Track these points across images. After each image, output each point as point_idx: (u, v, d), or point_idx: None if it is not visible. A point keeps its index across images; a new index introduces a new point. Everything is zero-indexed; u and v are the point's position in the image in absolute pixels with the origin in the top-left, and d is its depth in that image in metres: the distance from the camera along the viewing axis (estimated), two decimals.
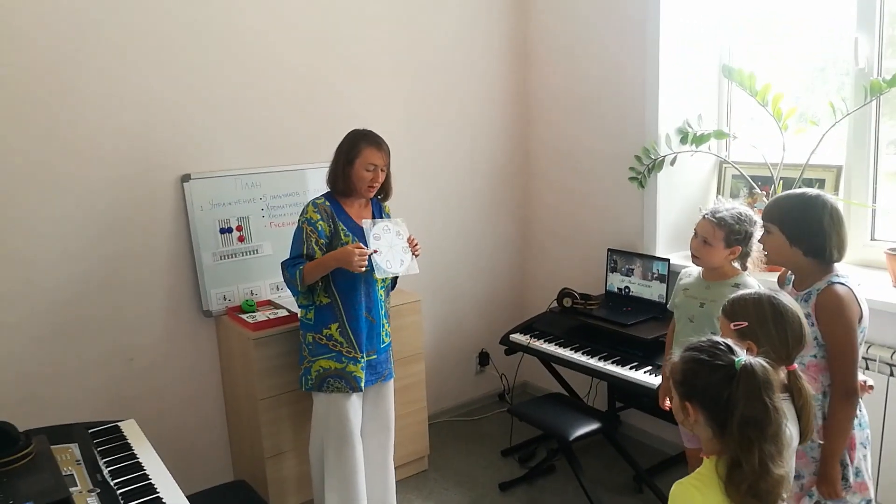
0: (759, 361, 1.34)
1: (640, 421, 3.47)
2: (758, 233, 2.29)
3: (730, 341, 1.39)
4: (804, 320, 1.67)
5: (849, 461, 1.93)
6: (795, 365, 1.64)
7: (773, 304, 1.65)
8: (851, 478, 1.95)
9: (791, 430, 1.54)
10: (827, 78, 2.98)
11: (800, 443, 1.62)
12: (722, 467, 1.32)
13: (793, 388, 1.62)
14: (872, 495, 1.97)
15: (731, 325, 1.68)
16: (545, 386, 3.74)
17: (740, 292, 1.74)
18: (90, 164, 2.64)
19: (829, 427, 1.91)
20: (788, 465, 1.34)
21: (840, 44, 2.88)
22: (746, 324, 1.65)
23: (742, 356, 1.34)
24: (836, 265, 1.97)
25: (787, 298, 1.69)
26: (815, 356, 1.93)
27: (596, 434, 2.85)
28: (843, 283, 1.91)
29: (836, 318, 1.87)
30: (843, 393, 1.88)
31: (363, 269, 2.39)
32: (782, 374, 1.63)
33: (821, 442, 1.89)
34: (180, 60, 2.77)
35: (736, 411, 1.29)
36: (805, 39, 3.06)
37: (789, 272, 2.10)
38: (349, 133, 2.54)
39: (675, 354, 1.44)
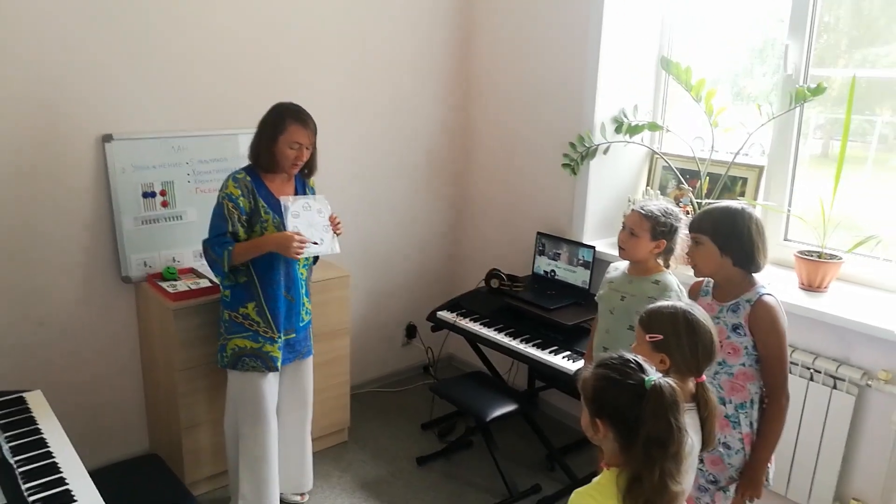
0: (667, 382, 1.37)
1: (558, 400, 3.58)
2: (682, 229, 2.36)
3: (640, 359, 1.43)
4: (716, 335, 1.74)
5: (770, 463, 2.05)
6: (704, 377, 1.71)
7: (688, 319, 1.70)
8: (771, 477, 2.08)
9: (693, 439, 1.61)
10: (765, 58, 3.06)
11: (702, 450, 1.70)
12: (622, 480, 1.37)
13: (699, 400, 1.69)
14: None
15: (647, 336, 1.72)
16: (470, 360, 3.81)
17: (658, 304, 1.78)
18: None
19: (764, 433, 2.01)
20: (686, 480, 1.40)
21: (778, 29, 2.95)
22: (661, 337, 1.70)
23: (652, 376, 1.38)
24: (756, 275, 2.05)
25: (700, 313, 1.75)
26: (743, 364, 2.01)
27: (513, 415, 2.93)
28: (770, 294, 2.00)
29: (772, 329, 1.96)
30: (785, 399, 1.99)
31: (300, 257, 2.36)
32: (691, 384, 1.70)
33: (718, 448, 2.00)
34: (105, 16, 2.62)
35: (642, 429, 1.33)
36: (745, 26, 3.12)
37: (704, 282, 2.17)
38: (274, 106, 2.45)
39: (587, 368, 1.47)
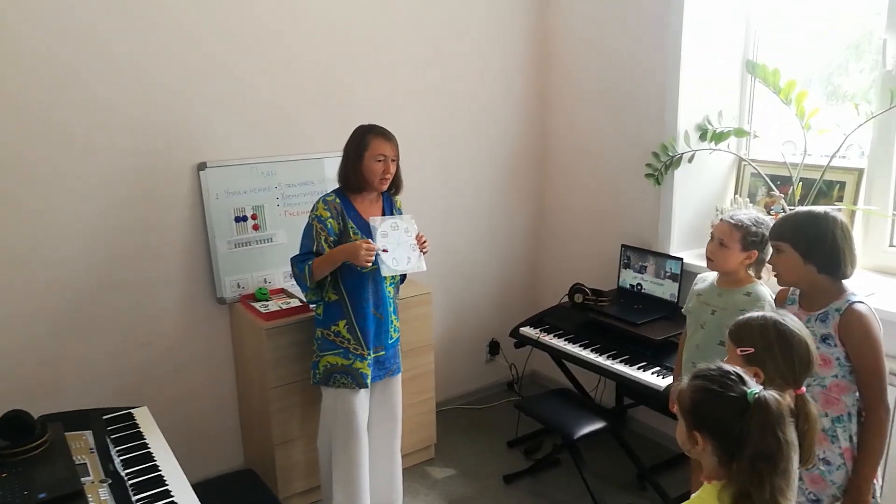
0: (772, 394, 1.32)
1: (648, 417, 3.48)
2: None
3: (740, 370, 1.38)
4: (811, 344, 1.65)
5: (876, 479, 1.94)
6: (804, 388, 1.63)
7: (779, 330, 1.63)
8: (878, 494, 1.96)
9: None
10: (861, 54, 2.90)
11: (800, 466, 1.61)
12: (726, 496, 1.31)
13: (799, 413, 1.60)
14: None
15: (738, 350, 1.66)
16: (554, 376, 3.76)
17: (747, 315, 1.71)
18: (106, 153, 2.66)
19: (865, 448, 1.90)
20: (794, 496, 1.34)
21: (875, 22, 2.80)
22: (752, 350, 1.63)
23: (755, 388, 1.33)
24: (846, 282, 1.95)
25: (793, 321, 1.67)
26: (836, 376, 1.91)
27: (602, 433, 2.87)
28: (862, 302, 1.90)
29: (864, 338, 1.86)
30: (884, 412, 1.88)
31: (369, 264, 2.40)
32: (789, 397, 1.62)
33: (818, 465, 1.90)
34: (196, 49, 2.78)
35: (748, 445, 1.28)
36: (838, 21, 2.98)
37: (790, 291, 2.08)
38: (355, 129, 2.54)
39: (683, 380, 1.43)
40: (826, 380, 1.92)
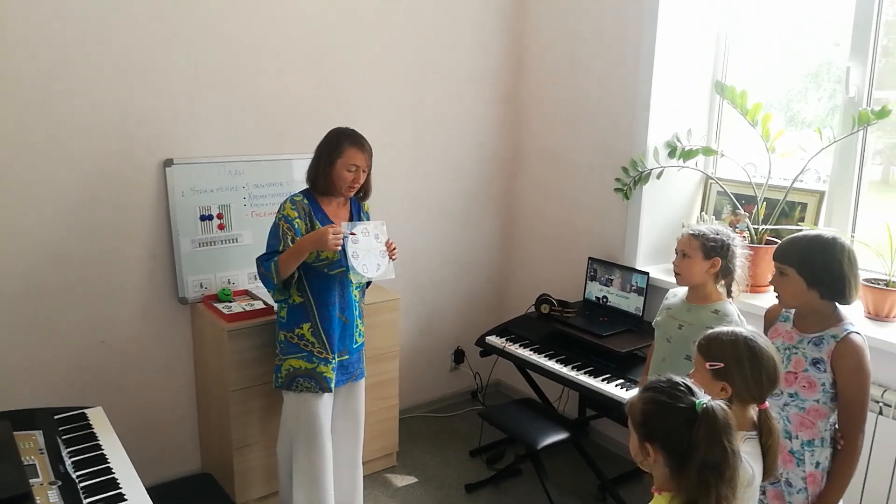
0: (718, 404, 1.34)
1: (610, 429, 3.50)
2: (738, 249, 2.30)
3: (689, 381, 1.40)
4: (779, 360, 1.67)
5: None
6: (767, 404, 1.65)
7: (750, 346, 1.64)
8: None
9: (754, 468, 1.56)
10: (820, 83, 3.00)
11: (763, 479, 1.63)
12: None
13: (762, 427, 1.63)
14: None
15: (707, 364, 1.67)
16: (518, 386, 3.77)
17: (717, 330, 1.72)
18: (70, 141, 2.59)
19: (837, 475, 1.92)
20: None
21: (833, 53, 2.90)
22: (722, 365, 1.64)
23: (702, 398, 1.35)
24: (843, 309, 1.94)
25: (762, 339, 1.69)
26: (817, 401, 1.91)
27: (564, 444, 2.87)
28: (858, 333, 1.89)
29: (857, 370, 1.86)
30: (861, 442, 1.89)
31: (338, 248, 2.34)
32: (753, 412, 1.65)
33: (776, 479, 1.92)
34: (166, 44, 2.72)
35: (696, 454, 1.30)
36: (799, 50, 3.08)
37: (784, 308, 2.06)
38: (332, 131, 2.51)
39: (635, 394, 1.44)
40: (807, 403, 1.92)
